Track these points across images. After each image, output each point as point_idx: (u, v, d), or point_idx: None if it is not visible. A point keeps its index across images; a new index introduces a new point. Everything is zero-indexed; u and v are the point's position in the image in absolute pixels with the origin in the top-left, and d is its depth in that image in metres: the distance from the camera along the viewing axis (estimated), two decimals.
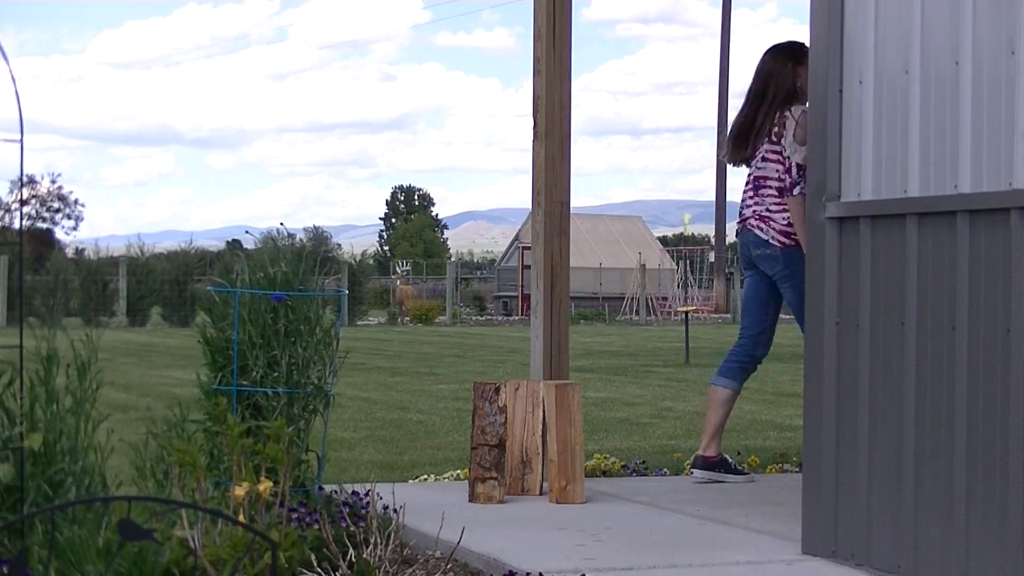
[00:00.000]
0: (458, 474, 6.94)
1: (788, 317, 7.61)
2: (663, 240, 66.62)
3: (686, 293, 43.63)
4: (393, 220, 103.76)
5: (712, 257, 47.35)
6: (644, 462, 7.42)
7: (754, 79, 6.78)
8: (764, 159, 6.68)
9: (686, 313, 22.45)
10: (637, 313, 40.48)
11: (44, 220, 71.74)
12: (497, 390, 6.10)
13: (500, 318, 40.76)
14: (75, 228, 74.13)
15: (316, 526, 4.45)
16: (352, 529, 4.59)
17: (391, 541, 4.53)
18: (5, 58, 3.54)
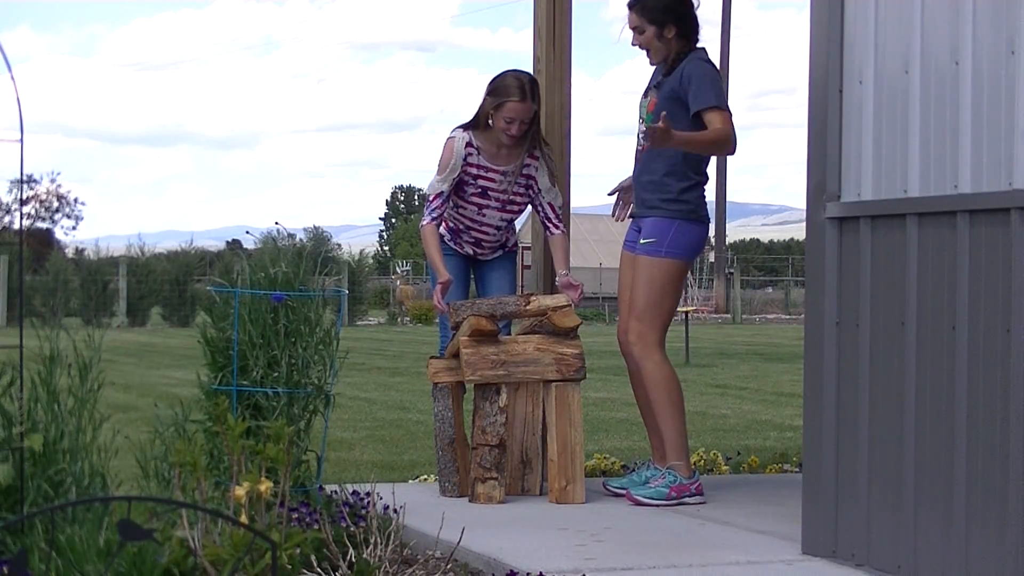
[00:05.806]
0: None
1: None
2: None
3: (686, 293, 43.63)
4: (393, 220, 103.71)
5: (712, 257, 47.35)
6: (644, 462, 7.42)
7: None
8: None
9: (686, 313, 22.43)
10: None
11: (44, 220, 71.73)
12: (497, 390, 6.10)
13: None
14: (74, 228, 74.13)
15: (316, 526, 4.45)
16: (352, 529, 4.59)
17: (391, 541, 4.53)
18: (6, 60, 3.54)
